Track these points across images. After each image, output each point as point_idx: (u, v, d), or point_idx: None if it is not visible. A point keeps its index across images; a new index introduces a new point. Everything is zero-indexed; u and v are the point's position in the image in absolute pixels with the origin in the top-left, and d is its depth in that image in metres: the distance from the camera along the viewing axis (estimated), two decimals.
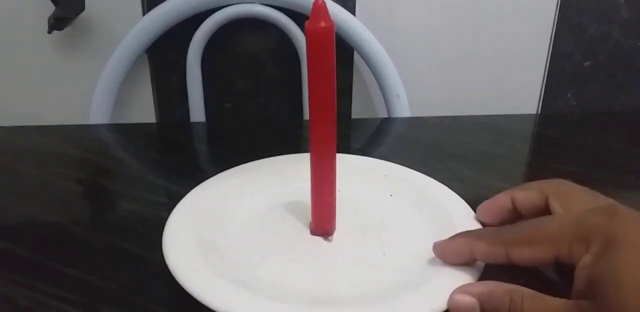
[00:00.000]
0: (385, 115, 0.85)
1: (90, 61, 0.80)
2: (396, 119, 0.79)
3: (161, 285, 0.38)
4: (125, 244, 0.41)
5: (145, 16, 0.77)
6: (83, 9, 0.72)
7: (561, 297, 0.31)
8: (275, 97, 0.86)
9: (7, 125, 0.61)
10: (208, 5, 0.77)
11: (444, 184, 0.44)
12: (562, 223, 0.33)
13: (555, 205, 0.36)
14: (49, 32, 0.72)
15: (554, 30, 0.87)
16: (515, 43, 0.87)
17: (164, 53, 0.81)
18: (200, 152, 0.59)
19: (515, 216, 0.39)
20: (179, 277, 0.34)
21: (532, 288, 0.37)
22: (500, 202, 0.39)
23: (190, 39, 0.79)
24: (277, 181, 0.46)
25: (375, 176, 0.46)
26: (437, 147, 0.58)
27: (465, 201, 0.42)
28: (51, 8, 0.71)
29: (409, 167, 0.47)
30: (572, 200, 0.36)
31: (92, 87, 0.79)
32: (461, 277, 0.35)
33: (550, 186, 0.38)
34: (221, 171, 0.46)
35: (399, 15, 0.83)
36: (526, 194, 0.38)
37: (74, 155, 0.55)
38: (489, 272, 0.36)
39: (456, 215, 0.41)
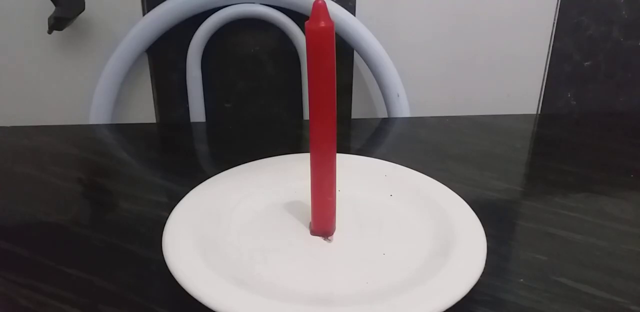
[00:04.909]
0: (385, 115, 0.85)
1: (90, 61, 0.80)
2: (396, 119, 0.79)
3: (161, 285, 0.38)
4: (125, 244, 0.41)
5: (145, 16, 0.77)
6: (83, 9, 0.72)
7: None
8: (275, 97, 0.86)
9: (7, 125, 0.61)
10: (208, 5, 0.77)
11: (444, 184, 0.44)
12: None
13: None
14: (49, 32, 0.72)
15: (554, 31, 0.87)
16: (516, 43, 0.87)
17: (164, 53, 0.81)
18: (200, 152, 0.59)
19: None
20: (179, 277, 0.34)
21: (530, 287, 0.38)
22: None
23: (190, 39, 0.79)
24: (277, 181, 0.46)
25: (375, 176, 0.46)
26: (437, 147, 0.58)
27: (465, 201, 0.42)
28: (51, 8, 0.71)
29: (409, 167, 0.47)
30: None
31: (92, 87, 0.79)
32: (461, 277, 0.35)
33: None
34: (221, 171, 0.46)
35: (399, 15, 0.83)
36: None
37: (74, 155, 0.55)
38: (489, 273, 0.36)
39: (456, 215, 0.41)
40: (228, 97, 0.85)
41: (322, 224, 0.40)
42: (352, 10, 0.81)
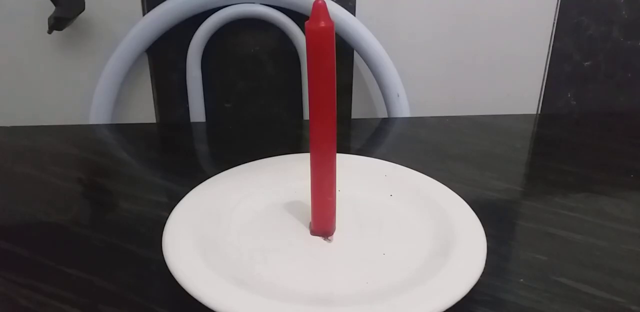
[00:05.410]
0: (385, 115, 0.85)
1: (90, 61, 0.80)
2: (396, 119, 0.79)
3: (161, 285, 0.38)
4: (125, 244, 0.41)
5: (145, 16, 0.77)
6: (83, 9, 0.72)
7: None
8: (275, 97, 0.86)
9: (7, 125, 0.61)
10: (208, 5, 0.77)
11: (444, 184, 0.44)
12: None
13: None
14: (49, 32, 0.72)
15: (554, 31, 0.87)
16: (516, 43, 0.87)
17: (164, 53, 0.81)
18: (200, 152, 0.59)
19: None
20: (179, 277, 0.34)
21: (530, 287, 0.38)
22: None
23: (190, 39, 0.79)
24: (277, 181, 0.46)
25: (375, 176, 0.46)
26: (437, 147, 0.58)
27: (465, 201, 0.42)
28: (51, 8, 0.71)
29: (409, 167, 0.47)
30: None
31: (92, 87, 0.79)
32: (461, 277, 0.35)
33: None
34: (221, 171, 0.46)
35: (399, 15, 0.83)
36: None
37: (74, 155, 0.55)
38: (489, 273, 0.36)
39: (456, 215, 0.41)
40: (228, 97, 0.85)
41: (322, 224, 0.40)
42: (352, 10, 0.81)
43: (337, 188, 0.39)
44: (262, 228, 0.41)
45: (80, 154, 0.55)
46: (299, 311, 0.33)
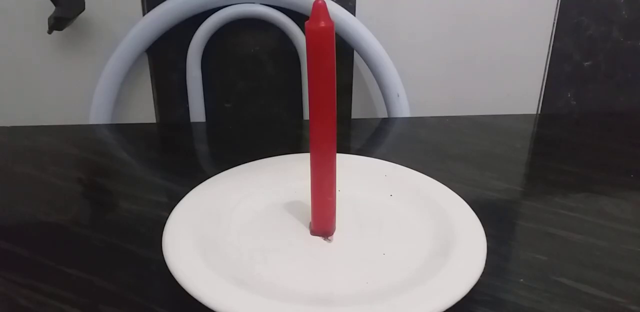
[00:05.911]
0: (385, 115, 0.85)
1: (90, 61, 0.80)
2: (396, 119, 0.79)
3: (161, 285, 0.38)
4: (125, 244, 0.41)
5: (145, 16, 0.77)
6: (83, 9, 0.72)
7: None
8: (275, 97, 0.86)
9: (7, 125, 0.61)
10: (208, 5, 0.77)
11: (444, 184, 0.44)
12: None
13: None
14: (49, 32, 0.72)
15: (554, 31, 0.87)
16: (516, 43, 0.87)
17: (164, 53, 0.81)
18: (200, 152, 0.59)
19: None
20: (179, 277, 0.34)
21: (530, 287, 0.38)
22: None
23: (190, 39, 0.79)
24: (277, 181, 0.46)
25: (375, 176, 0.46)
26: (437, 147, 0.58)
27: (465, 201, 0.42)
28: (51, 8, 0.71)
29: (409, 167, 0.47)
30: None
31: (92, 87, 0.79)
32: (461, 277, 0.35)
33: None
34: (221, 171, 0.46)
35: (399, 15, 0.83)
36: None
37: (74, 155, 0.55)
38: (489, 273, 0.36)
39: (456, 215, 0.41)
40: (228, 97, 0.85)
41: (322, 224, 0.40)
42: (352, 10, 0.81)
43: (337, 188, 0.39)
44: (262, 228, 0.41)
45: (80, 154, 0.55)
46: (299, 311, 0.33)
